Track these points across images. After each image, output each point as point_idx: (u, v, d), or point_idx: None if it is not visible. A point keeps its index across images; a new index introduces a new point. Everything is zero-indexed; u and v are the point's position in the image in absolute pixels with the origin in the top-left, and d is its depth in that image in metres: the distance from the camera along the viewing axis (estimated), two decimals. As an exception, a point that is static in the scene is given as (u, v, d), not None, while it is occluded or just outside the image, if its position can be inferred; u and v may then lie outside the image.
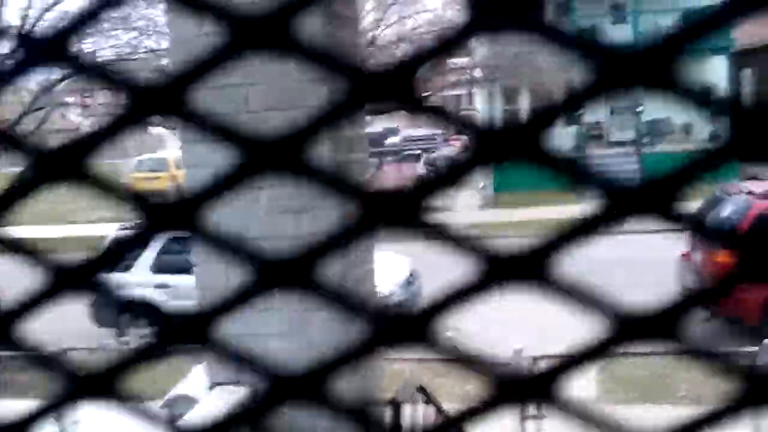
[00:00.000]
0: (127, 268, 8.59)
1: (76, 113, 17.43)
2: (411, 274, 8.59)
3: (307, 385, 1.76)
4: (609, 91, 0.46)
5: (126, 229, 9.63)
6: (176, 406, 2.51)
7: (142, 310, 8.36)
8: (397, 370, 4.24)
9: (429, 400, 2.23)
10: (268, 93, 1.82)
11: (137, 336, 8.42)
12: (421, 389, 2.16)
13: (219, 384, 1.88)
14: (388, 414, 1.91)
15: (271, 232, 1.83)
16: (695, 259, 7.87)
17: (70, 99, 15.30)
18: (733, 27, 18.69)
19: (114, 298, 8.32)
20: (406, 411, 1.98)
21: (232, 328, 1.84)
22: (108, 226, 12.38)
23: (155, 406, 1.95)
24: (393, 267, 8.28)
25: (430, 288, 8.84)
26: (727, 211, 7.73)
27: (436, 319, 0.54)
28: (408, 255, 9.03)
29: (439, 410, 2.37)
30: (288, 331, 1.83)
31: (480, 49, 17.81)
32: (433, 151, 22.00)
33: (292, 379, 1.73)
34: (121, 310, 8.41)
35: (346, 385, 1.83)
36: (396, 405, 1.87)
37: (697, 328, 8.03)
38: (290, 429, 1.82)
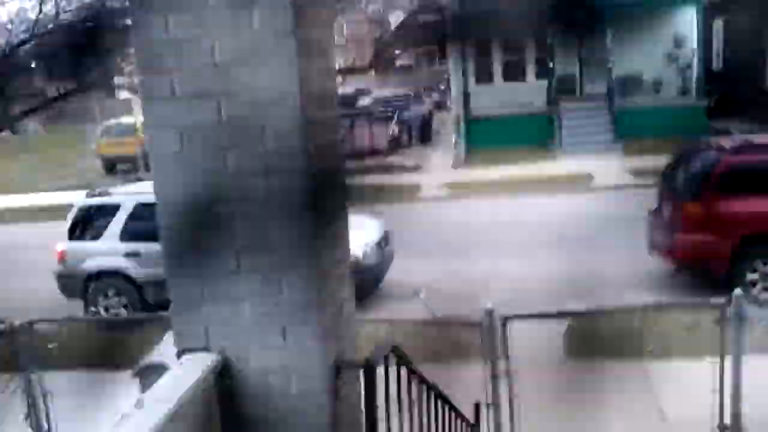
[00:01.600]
0: (95, 237, 8.44)
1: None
2: (383, 236, 8.56)
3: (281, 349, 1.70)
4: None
5: (93, 196, 9.42)
6: (147, 375, 2.47)
7: (111, 279, 8.21)
8: (370, 331, 4.25)
9: (402, 360, 2.23)
10: (236, 46, 1.76)
11: (106, 306, 8.32)
12: (395, 349, 2.15)
13: (188, 350, 1.85)
14: (361, 375, 1.90)
15: (240, 194, 1.78)
16: (664, 213, 7.96)
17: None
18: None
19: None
20: (380, 372, 1.97)
21: (203, 293, 1.80)
22: (74, 194, 12.17)
23: (126, 375, 1.90)
24: (366, 229, 8.25)
25: (402, 250, 8.86)
26: (696, 166, 7.80)
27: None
28: (380, 217, 8.99)
29: (412, 371, 2.38)
30: (259, 292, 1.80)
31: (450, 4, 17.59)
32: (405, 111, 21.87)
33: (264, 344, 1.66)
34: (89, 280, 8.26)
35: (319, 349, 1.80)
36: (369, 366, 1.86)
37: (665, 281, 8.17)
38: (261, 394, 1.82)
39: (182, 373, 1.80)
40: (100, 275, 8.26)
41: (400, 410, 2.13)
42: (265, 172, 1.75)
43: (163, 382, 1.76)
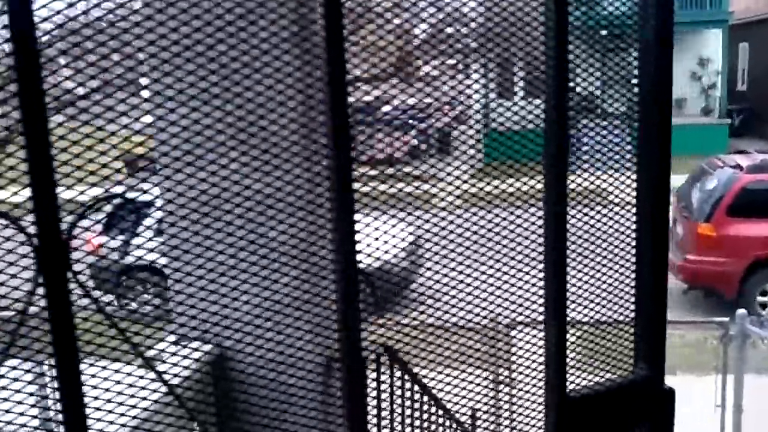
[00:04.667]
0: (130, 232, 8.48)
1: None
2: (413, 243, 8.50)
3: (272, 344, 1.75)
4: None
5: (125, 192, 9.46)
6: (150, 365, 2.53)
7: (146, 274, 8.22)
8: (368, 331, 4.27)
9: (396, 361, 2.27)
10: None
11: (141, 301, 8.39)
12: (388, 350, 2.19)
13: (184, 341, 1.91)
14: (353, 373, 1.94)
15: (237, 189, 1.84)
16: (677, 231, 7.93)
17: None
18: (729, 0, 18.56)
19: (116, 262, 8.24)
20: (373, 372, 2.02)
21: (201, 286, 1.85)
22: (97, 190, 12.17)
23: (130, 366, 1.97)
24: (396, 234, 8.21)
25: (432, 257, 8.78)
26: (712, 184, 7.76)
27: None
28: (411, 223, 8.94)
29: (406, 372, 2.42)
30: (254, 287, 1.85)
31: (474, 17, 17.54)
32: (425, 121, 21.89)
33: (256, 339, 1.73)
34: (123, 274, 8.31)
35: (313, 346, 1.85)
36: (361, 365, 1.90)
37: (675, 298, 8.12)
38: (254, 387, 1.87)
39: (177, 363, 1.85)
40: (134, 270, 8.27)
41: (391, 411, 2.16)
42: (262, 168, 1.78)
43: (158, 371, 1.81)
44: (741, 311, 3.84)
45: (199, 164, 1.76)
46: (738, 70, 20.40)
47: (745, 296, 6.83)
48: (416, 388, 2.46)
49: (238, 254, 1.81)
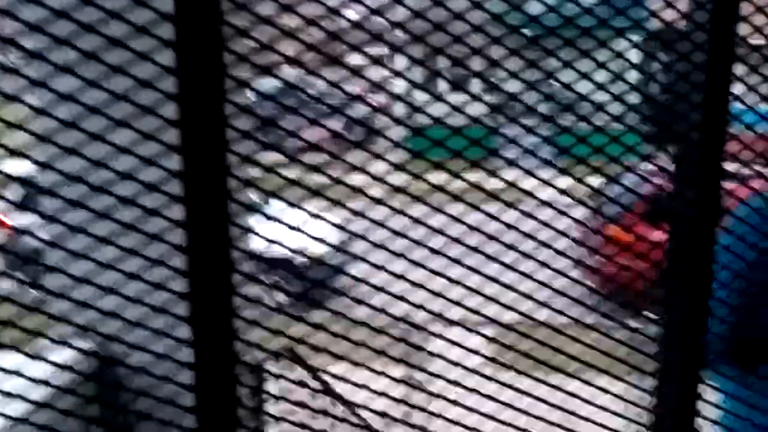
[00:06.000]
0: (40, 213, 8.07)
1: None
2: (345, 237, 8.40)
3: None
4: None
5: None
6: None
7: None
8: (278, 330, 4.14)
9: (300, 363, 2.16)
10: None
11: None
12: (290, 352, 2.07)
13: (68, 339, 1.73)
14: (253, 374, 1.82)
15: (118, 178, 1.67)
16: (591, 233, 8.11)
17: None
18: (649, 8, 19.19)
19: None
20: (276, 371, 1.90)
21: (83, 282, 1.66)
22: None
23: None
24: (327, 228, 8.09)
25: (362, 251, 8.63)
26: (622, 189, 7.95)
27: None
28: (343, 218, 8.80)
29: (314, 373, 2.31)
30: (142, 283, 1.69)
31: (401, 9, 17.54)
32: (350, 109, 21.80)
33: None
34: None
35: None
36: (257, 368, 1.77)
37: (590, 305, 8.29)
38: (140, 388, 1.72)
39: (60, 361, 1.69)
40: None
41: (293, 414, 2.07)
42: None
43: (37, 369, 1.65)
44: (650, 315, 3.90)
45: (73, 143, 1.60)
46: (655, 80, 21.27)
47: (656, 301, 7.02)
48: (318, 386, 2.37)
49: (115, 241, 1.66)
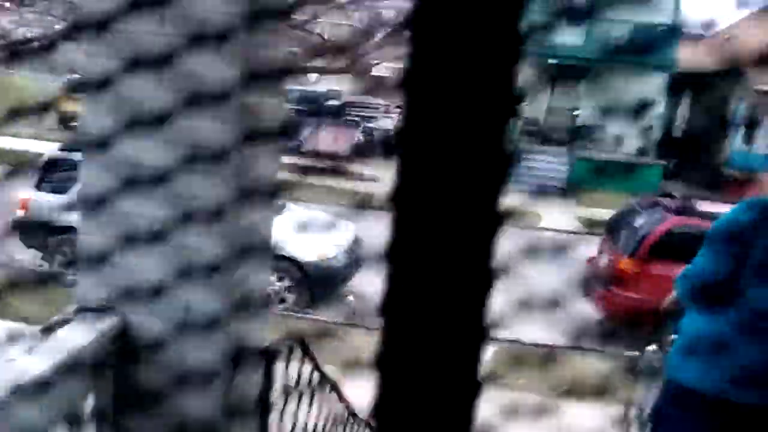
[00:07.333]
0: (62, 191, 8.19)
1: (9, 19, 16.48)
2: (354, 240, 8.45)
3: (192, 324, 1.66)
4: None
5: (64, 150, 9.11)
6: (53, 331, 2.40)
7: (72, 235, 7.99)
8: (285, 324, 4.23)
9: (308, 355, 2.22)
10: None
11: (61, 261, 8.19)
12: (301, 343, 2.14)
13: (88, 309, 1.80)
14: (261, 363, 1.88)
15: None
16: (601, 263, 8.13)
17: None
18: (677, 47, 19.27)
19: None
20: (282, 363, 1.96)
21: (110, 255, 1.75)
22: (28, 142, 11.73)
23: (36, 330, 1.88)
24: (338, 231, 8.16)
25: (372, 255, 8.77)
26: (639, 222, 7.99)
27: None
28: (353, 221, 8.89)
29: (317, 368, 2.37)
30: (165, 264, 1.76)
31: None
32: (372, 121, 21.87)
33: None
34: (50, 233, 8.07)
35: (220, 331, 1.77)
36: (270, 354, 1.84)
37: (589, 329, 8.33)
38: (156, 364, 1.78)
39: (79, 329, 1.76)
40: (61, 230, 8.10)
41: (299, 403, 2.12)
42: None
43: (59, 335, 1.72)
44: (652, 347, 3.94)
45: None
46: (677, 117, 21.19)
47: (659, 334, 7.02)
48: (319, 378, 2.43)
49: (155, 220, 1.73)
